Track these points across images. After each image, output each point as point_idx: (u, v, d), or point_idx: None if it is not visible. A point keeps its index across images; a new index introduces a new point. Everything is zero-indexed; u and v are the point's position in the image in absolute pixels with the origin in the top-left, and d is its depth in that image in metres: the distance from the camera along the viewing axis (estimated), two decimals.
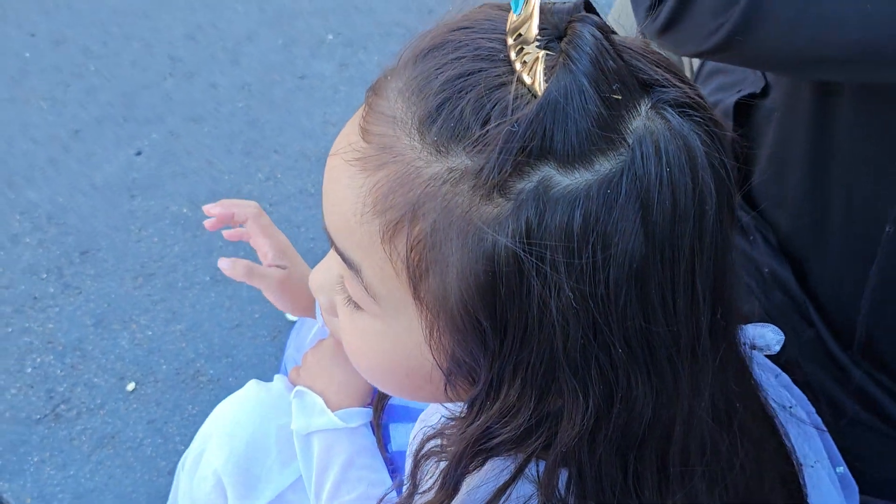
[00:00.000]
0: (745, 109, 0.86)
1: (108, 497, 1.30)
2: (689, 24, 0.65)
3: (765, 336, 0.63)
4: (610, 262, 0.42)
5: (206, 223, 0.91)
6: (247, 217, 0.91)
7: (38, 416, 1.37)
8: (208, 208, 0.91)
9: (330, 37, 1.98)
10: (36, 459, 1.33)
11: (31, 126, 1.77)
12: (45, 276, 1.55)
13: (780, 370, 0.65)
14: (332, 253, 0.53)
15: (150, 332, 1.49)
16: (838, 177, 0.73)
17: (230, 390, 1.37)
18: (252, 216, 0.91)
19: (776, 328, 0.63)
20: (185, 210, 1.66)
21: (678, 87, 0.45)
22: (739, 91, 0.87)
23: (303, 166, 1.74)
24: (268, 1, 2.06)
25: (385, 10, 2.02)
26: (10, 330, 1.47)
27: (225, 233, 0.94)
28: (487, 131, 0.42)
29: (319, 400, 0.85)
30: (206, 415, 0.91)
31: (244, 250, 1.42)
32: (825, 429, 0.65)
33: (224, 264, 0.87)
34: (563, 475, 0.48)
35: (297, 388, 0.87)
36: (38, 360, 1.44)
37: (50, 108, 1.81)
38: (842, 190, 0.74)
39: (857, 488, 0.67)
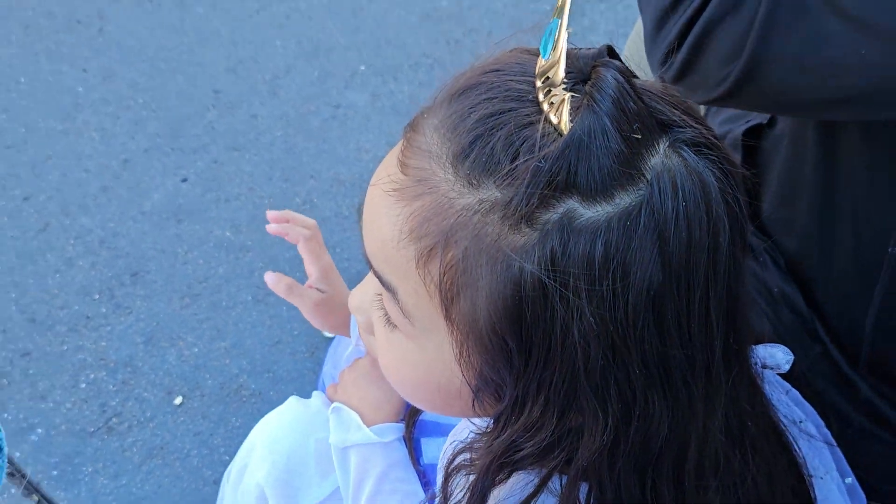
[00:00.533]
0: (753, 139, 0.86)
1: None
2: (699, 74, 0.67)
3: (775, 356, 0.63)
4: (629, 289, 0.44)
5: (268, 227, 0.94)
6: (299, 238, 0.93)
7: (92, 429, 1.40)
8: (272, 216, 0.94)
9: (362, 68, 1.98)
10: (90, 470, 1.36)
11: (84, 156, 1.80)
12: (97, 297, 1.57)
13: (790, 386, 0.65)
14: (370, 275, 0.56)
15: (196, 350, 1.51)
16: (845, 202, 0.74)
17: (271, 403, 1.40)
18: (304, 238, 0.93)
19: (786, 348, 0.63)
20: (228, 234, 1.68)
21: (694, 127, 0.47)
22: (747, 122, 0.87)
23: (337, 191, 1.75)
24: (305, 35, 2.06)
25: (415, 42, 2.02)
26: (65, 348, 1.50)
27: (286, 236, 0.96)
28: (516, 166, 0.44)
29: (355, 416, 0.86)
30: (249, 427, 0.93)
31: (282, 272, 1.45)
32: (834, 443, 0.65)
33: (270, 279, 0.90)
34: (584, 489, 0.50)
35: (335, 404, 0.89)
36: (92, 376, 1.47)
37: (101, 140, 1.83)
38: (848, 214, 0.74)
39: (864, 497, 0.67)
